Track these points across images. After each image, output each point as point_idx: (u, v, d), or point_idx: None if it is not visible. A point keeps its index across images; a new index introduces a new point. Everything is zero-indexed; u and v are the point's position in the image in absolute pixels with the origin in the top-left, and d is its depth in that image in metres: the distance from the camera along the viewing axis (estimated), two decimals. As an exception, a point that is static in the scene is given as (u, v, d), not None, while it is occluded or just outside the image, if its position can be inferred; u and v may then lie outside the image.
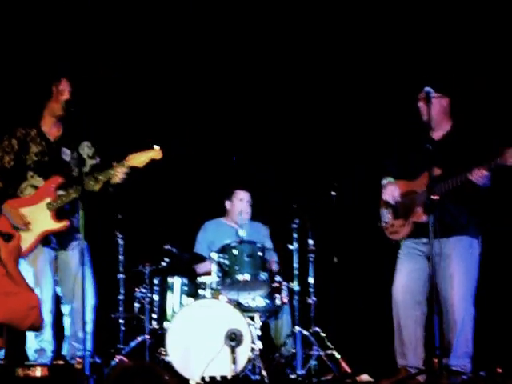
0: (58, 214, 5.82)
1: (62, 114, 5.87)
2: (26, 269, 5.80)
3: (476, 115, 6.14)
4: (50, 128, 5.97)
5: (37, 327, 4.17)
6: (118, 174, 5.73)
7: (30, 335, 5.81)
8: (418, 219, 5.61)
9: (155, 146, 5.75)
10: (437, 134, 5.71)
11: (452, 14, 6.87)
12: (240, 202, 7.07)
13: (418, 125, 5.68)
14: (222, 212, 7.20)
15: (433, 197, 5.30)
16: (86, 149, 6.02)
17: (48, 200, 5.82)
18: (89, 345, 5.52)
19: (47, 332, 5.79)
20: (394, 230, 5.80)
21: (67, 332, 5.88)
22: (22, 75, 6.91)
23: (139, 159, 5.74)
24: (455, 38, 6.86)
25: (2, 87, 7.00)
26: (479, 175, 5.32)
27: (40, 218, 5.80)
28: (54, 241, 5.86)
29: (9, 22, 7.06)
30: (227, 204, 7.17)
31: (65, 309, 5.90)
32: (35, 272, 5.79)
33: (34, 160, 5.89)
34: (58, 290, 5.91)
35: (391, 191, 5.76)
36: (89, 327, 5.59)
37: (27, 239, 5.74)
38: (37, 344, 5.80)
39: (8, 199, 5.82)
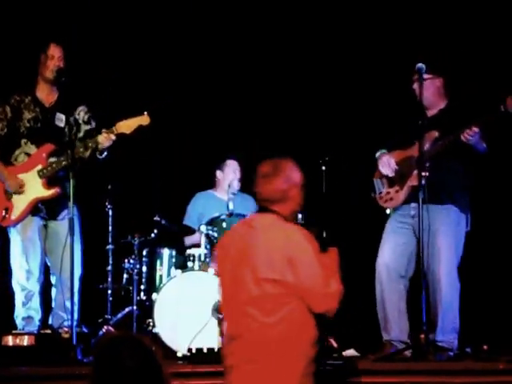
0: (50, 181, 5.80)
1: (52, 79, 5.84)
2: (14, 237, 5.80)
3: (470, 91, 6.12)
4: (46, 94, 5.94)
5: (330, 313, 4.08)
6: (106, 140, 5.70)
7: (18, 303, 5.81)
8: (416, 182, 5.48)
9: (144, 113, 5.73)
10: (431, 112, 5.72)
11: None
12: (231, 172, 7.00)
13: (413, 105, 5.67)
14: (213, 183, 7.14)
15: (423, 173, 5.34)
16: (81, 113, 5.99)
17: (39, 167, 5.80)
18: (75, 315, 5.52)
19: (35, 301, 5.79)
20: (388, 197, 5.74)
21: (54, 302, 5.88)
22: (17, 42, 6.86)
23: (127, 125, 5.72)
24: (448, 19, 6.87)
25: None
26: (470, 133, 5.34)
27: (31, 186, 5.79)
28: (44, 210, 5.84)
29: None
30: (218, 174, 7.05)
31: (53, 279, 5.89)
32: (23, 241, 5.78)
33: (26, 127, 5.87)
34: (48, 259, 5.90)
35: (387, 161, 5.73)
36: (75, 297, 5.58)
37: (19, 207, 5.74)
38: (24, 312, 5.79)
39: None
